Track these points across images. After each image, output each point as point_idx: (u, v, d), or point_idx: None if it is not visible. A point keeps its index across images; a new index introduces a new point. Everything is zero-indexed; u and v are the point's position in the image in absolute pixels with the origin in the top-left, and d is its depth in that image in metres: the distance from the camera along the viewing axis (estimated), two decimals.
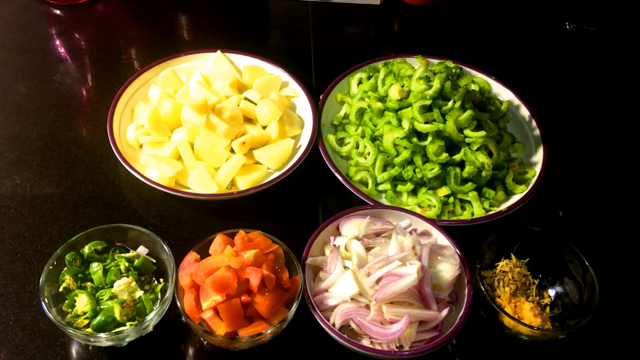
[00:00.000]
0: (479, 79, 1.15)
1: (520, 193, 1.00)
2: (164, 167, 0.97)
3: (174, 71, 1.12)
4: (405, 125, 0.99)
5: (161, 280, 0.84)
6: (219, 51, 1.16)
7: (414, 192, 1.01)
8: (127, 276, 0.81)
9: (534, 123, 1.11)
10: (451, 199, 0.99)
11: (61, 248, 0.81)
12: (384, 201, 0.99)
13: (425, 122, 0.98)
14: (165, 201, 0.99)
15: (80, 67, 1.21)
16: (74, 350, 0.81)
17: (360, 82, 1.14)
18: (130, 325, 0.77)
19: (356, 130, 1.07)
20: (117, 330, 0.76)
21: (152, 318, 0.77)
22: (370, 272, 0.80)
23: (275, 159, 1.02)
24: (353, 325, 0.79)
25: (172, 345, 0.83)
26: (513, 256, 0.90)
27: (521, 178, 1.03)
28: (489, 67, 1.18)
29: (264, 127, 1.07)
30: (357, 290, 0.79)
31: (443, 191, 0.99)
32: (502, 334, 0.85)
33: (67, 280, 0.80)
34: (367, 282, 0.80)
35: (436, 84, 0.99)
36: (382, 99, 1.05)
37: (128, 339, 0.78)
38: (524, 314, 0.84)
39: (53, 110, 1.11)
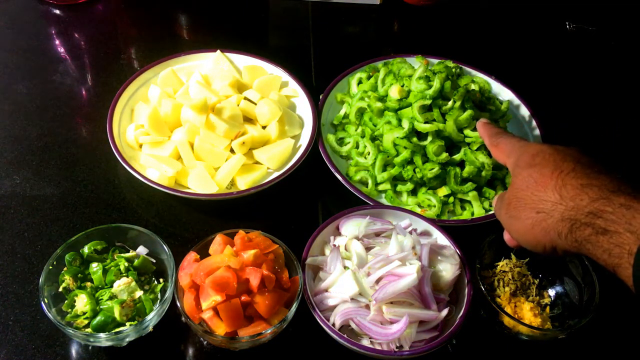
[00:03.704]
0: (479, 78, 1.15)
1: None
2: (164, 167, 0.96)
3: (174, 71, 1.12)
4: (405, 125, 0.99)
5: (161, 280, 0.83)
6: (218, 51, 1.16)
7: (413, 192, 1.01)
8: (127, 276, 0.81)
9: (534, 123, 1.11)
10: (451, 199, 0.99)
11: (61, 248, 0.81)
12: (384, 201, 0.99)
13: (425, 122, 0.98)
14: (165, 201, 0.99)
15: (80, 67, 1.21)
16: (74, 350, 0.81)
17: (360, 82, 1.14)
18: (130, 325, 0.77)
19: (356, 130, 1.07)
20: (117, 330, 0.76)
21: (152, 318, 0.77)
22: (370, 272, 0.80)
23: (275, 158, 1.02)
24: (353, 325, 0.79)
25: (172, 345, 0.83)
26: (513, 256, 0.90)
27: None
28: (489, 67, 1.18)
29: (264, 127, 1.07)
30: (357, 290, 0.79)
31: (443, 191, 0.99)
32: (502, 334, 0.85)
33: (67, 280, 0.80)
34: (367, 282, 0.80)
35: (436, 83, 1.00)
36: (382, 98, 1.05)
37: (128, 339, 0.78)
38: (524, 314, 0.84)
39: (53, 110, 1.11)
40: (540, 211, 0.64)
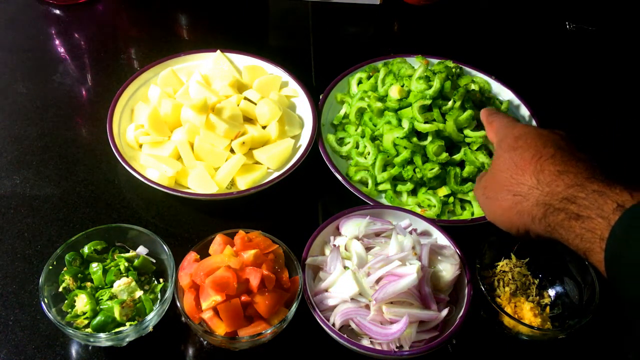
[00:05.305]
0: (479, 78, 1.15)
1: None
2: (164, 167, 0.96)
3: (174, 71, 1.12)
4: (405, 125, 0.99)
5: (161, 280, 0.83)
6: (218, 51, 1.16)
7: (413, 192, 1.01)
8: (127, 276, 0.81)
9: (534, 123, 1.10)
10: (451, 199, 0.99)
11: (61, 248, 0.81)
12: (384, 201, 0.99)
13: (425, 122, 0.99)
14: (165, 201, 0.99)
15: (80, 67, 1.21)
16: (74, 350, 0.81)
17: (360, 82, 1.14)
18: (130, 325, 0.77)
19: (356, 130, 1.07)
20: (116, 330, 0.76)
21: (152, 318, 0.77)
22: (370, 272, 0.80)
23: (275, 158, 1.02)
24: (353, 325, 0.79)
25: (172, 345, 0.83)
26: (513, 256, 0.90)
27: None
28: (489, 67, 1.18)
29: (264, 127, 1.07)
30: (357, 290, 0.79)
31: (443, 191, 0.99)
32: (502, 334, 0.85)
33: (67, 280, 0.80)
34: (367, 282, 0.80)
35: (436, 83, 1.00)
36: (382, 98, 1.05)
37: (128, 339, 0.78)
38: (524, 314, 0.83)
39: (53, 110, 1.11)
40: (517, 194, 0.66)
